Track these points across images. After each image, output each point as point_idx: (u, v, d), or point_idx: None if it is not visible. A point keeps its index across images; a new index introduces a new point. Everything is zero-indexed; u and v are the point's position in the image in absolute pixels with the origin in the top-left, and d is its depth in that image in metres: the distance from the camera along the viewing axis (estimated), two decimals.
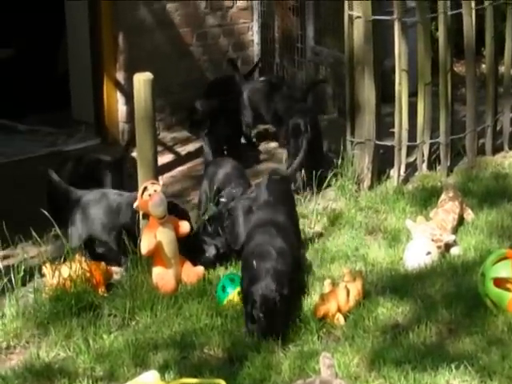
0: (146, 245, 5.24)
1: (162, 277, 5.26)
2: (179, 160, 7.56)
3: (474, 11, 7.00)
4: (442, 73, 6.97)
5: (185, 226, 5.42)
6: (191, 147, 7.79)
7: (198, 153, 7.56)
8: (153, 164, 5.50)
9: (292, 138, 6.80)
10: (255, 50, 8.72)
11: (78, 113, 8.27)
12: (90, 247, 5.68)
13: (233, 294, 5.09)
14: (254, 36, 8.72)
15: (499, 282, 4.95)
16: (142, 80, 5.43)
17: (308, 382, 3.88)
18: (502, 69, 7.48)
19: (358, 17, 6.78)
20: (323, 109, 7.37)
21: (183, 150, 7.77)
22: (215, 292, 5.17)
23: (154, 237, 5.25)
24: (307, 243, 5.87)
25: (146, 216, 5.35)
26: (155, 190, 5.26)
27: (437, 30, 7.01)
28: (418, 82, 6.96)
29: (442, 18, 6.89)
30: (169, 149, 7.74)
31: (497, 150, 7.40)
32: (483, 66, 7.55)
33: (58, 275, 5.19)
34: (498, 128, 7.45)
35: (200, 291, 5.19)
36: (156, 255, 5.29)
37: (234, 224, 5.63)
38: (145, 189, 5.26)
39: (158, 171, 5.58)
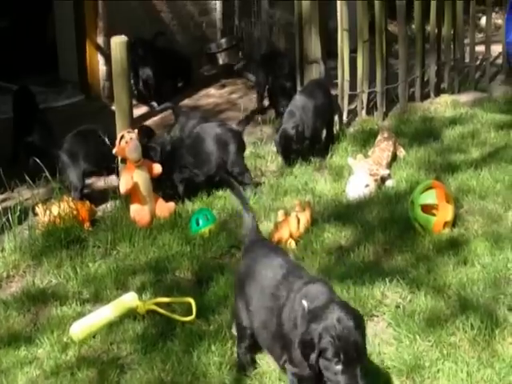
0: (124, 185, 5.17)
1: (138, 212, 5.21)
2: (152, 112, 7.47)
3: None
4: (377, 32, 6.91)
5: (157, 168, 5.35)
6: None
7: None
8: (129, 115, 5.41)
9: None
10: (217, 14, 8.62)
11: (64, 73, 8.15)
12: None
13: (205, 230, 5.03)
14: (217, 2, 8.58)
15: (426, 208, 4.97)
16: (118, 42, 5.34)
17: None
18: (428, 28, 7.40)
19: None
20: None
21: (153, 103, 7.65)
22: (188, 222, 5.11)
23: (131, 178, 5.18)
24: (263, 180, 5.83)
25: (124, 160, 5.27)
26: (131, 138, 5.17)
27: None
28: (357, 40, 6.89)
29: None
30: (143, 102, 7.62)
31: (424, 97, 7.39)
32: (413, 26, 7.43)
33: (49, 214, 5.13)
34: (425, 79, 7.43)
35: (172, 224, 5.16)
36: (133, 194, 5.22)
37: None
38: (122, 137, 5.17)
39: (133, 121, 5.49)
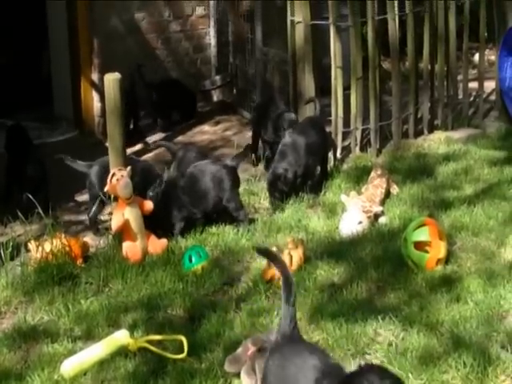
0: (115, 223, 5.23)
1: (130, 249, 5.24)
2: (147, 148, 7.54)
3: (397, 17, 7.06)
4: (371, 69, 7.02)
5: (148, 204, 5.39)
6: (157, 137, 7.81)
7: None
8: (122, 152, 5.47)
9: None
10: (212, 51, 8.72)
11: (59, 110, 8.24)
12: None
13: (198, 267, 5.06)
14: (211, 40, 8.70)
15: (419, 245, 5.01)
16: (111, 79, 5.40)
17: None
18: (421, 65, 7.52)
19: (299, 22, 6.82)
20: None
21: (149, 139, 7.77)
22: (181, 259, 5.14)
23: (122, 215, 5.22)
24: (257, 217, 5.88)
25: (115, 198, 5.33)
26: (122, 175, 5.22)
27: (367, 32, 7.00)
28: (351, 77, 6.99)
29: (371, 22, 6.95)
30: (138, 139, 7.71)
31: (418, 133, 7.48)
32: (406, 63, 7.55)
33: (42, 250, 5.16)
34: (418, 115, 7.53)
35: (164, 260, 5.19)
36: (125, 231, 5.26)
37: None
38: (113, 174, 5.23)
39: (126, 158, 5.55)
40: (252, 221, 5.75)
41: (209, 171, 5.68)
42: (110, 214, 5.54)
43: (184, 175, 5.74)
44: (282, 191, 5.98)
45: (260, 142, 6.90)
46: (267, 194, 6.14)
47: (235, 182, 5.72)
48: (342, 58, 6.84)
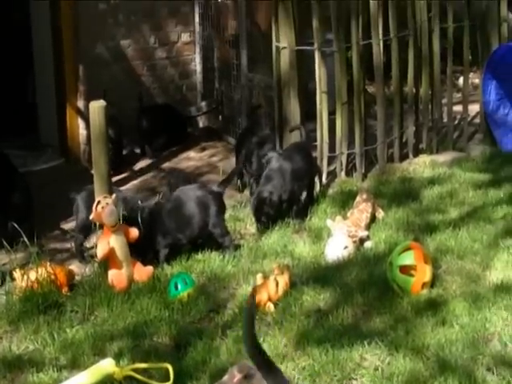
0: (100, 251, 5.23)
1: (116, 277, 5.24)
2: (133, 175, 7.59)
3: (381, 42, 7.14)
4: (356, 93, 7.07)
5: (134, 232, 5.39)
6: (143, 164, 7.86)
7: (148, 168, 7.61)
8: (107, 179, 5.50)
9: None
10: (198, 77, 8.77)
11: (44, 137, 8.26)
12: None
13: (184, 294, 5.06)
14: (197, 66, 8.74)
15: (404, 269, 5.03)
16: (96, 107, 5.44)
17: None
18: (406, 89, 7.61)
19: (284, 47, 6.89)
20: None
21: (135, 166, 7.82)
22: (167, 287, 5.14)
23: (108, 243, 5.23)
24: (242, 242, 5.89)
25: (101, 226, 5.34)
26: (107, 203, 5.24)
27: (351, 57, 7.07)
28: (336, 102, 7.04)
29: (355, 47, 7.02)
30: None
31: (403, 157, 7.52)
32: (391, 87, 7.63)
33: (27, 278, 5.16)
34: (403, 139, 7.58)
35: (150, 288, 5.18)
36: (110, 259, 5.27)
37: None
38: (98, 202, 5.25)
39: (111, 186, 5.58)
40: (238, 247, 5.77)
41: (194, 196, 5.70)
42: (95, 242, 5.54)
43: (170, 200, 5.76)
44: (267, 214, 6.02)
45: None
46: (253, 220, 6.16)
47: (221, 207, 5.74)
48: (327, 82, 6.92)
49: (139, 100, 7.89)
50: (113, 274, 5.26)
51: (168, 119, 8.15)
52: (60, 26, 7.77)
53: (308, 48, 6.94)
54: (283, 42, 6.86)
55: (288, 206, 6.17)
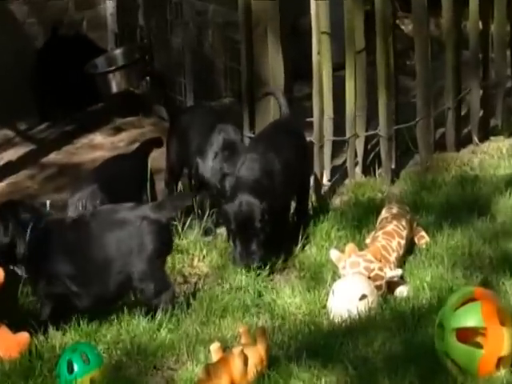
0: None
1: None
2: None
3: None
4: (379, 34, 7.05)
5: None
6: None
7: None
8: None
9: None
10: (108, 8, 8.88)
11: None
12: None
13: (83, 380, 5.04)
14: None
15: (465, 335, 4.99)
16: None
17: None
18: (466, 26, 7.67)
19: None
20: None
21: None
22: (55, 368, 5.10)
23: None
24: (187, 290, 5.92)
25: None
26: None
27: None
28: (345, 49, 7.04)
29: None
30: None
31: (462, 143, 7.57)
32: (441, 22, 7.66)
33: None
34: (462, 113, 7.59)
35: (24, 370, 5.13)
36: None
37: None
38: None
39: None
40: (178, 298, 5.74)
41: (118, 225, 5.66)
42: None
43: (74, 222, 5.75)
44: (258, 240, 6.07)
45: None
46: (205, 252, 6.18)
47: (160, 246, 5.70)
48: (331, 16, 6.89)
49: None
50: None
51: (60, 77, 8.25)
52: None
53: None
54: None
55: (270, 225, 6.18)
